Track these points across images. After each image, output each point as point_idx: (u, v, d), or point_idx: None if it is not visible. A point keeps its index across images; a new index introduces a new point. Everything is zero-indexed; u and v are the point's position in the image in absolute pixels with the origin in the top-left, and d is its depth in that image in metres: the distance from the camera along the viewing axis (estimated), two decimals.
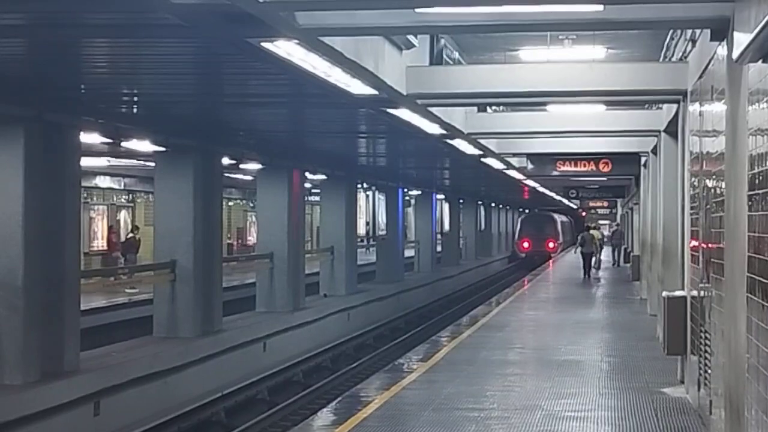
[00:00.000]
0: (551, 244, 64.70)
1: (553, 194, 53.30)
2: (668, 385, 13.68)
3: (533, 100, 16.60)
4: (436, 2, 9.02)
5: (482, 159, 25.29)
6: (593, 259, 41.53)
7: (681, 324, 12.54)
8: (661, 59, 19.29)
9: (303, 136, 22.63)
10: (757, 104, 6.98)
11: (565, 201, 60.39)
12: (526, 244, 64.63)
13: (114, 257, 32.07)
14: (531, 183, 39.74)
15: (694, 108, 12.23)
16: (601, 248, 48.28)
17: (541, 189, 47.34)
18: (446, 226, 54.55)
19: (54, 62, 12.47)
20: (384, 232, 40.20)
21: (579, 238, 42.21)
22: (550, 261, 56.02)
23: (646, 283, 25.62)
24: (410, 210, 50.33)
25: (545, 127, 20.54)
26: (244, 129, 20.62)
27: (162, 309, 19.33)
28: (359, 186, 36.88)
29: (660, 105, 18.76)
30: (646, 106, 20.72)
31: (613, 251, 51.55)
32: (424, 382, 14.21)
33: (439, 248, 47.98)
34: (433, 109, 16.21)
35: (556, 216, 68.48)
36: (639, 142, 23.36)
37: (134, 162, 28.21)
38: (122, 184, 38.65)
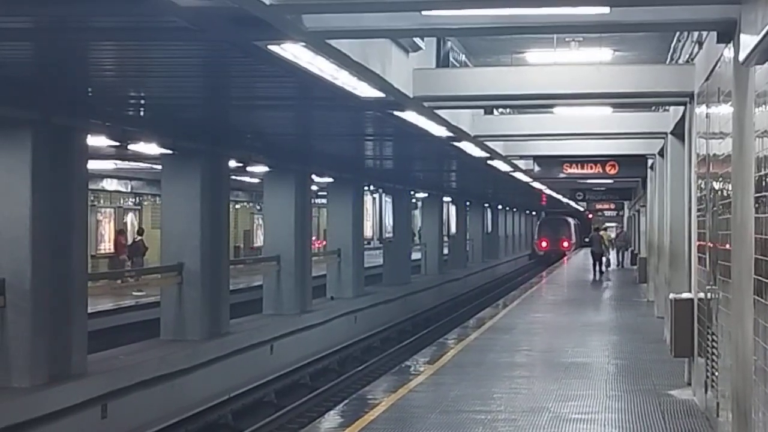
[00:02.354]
0: (565, 244, 73.03)
1: (560, 196, 53.42)
2: (675, 388, 13.68)
3: (540, 103, 16.59)
4: (443, 5, 9.03)
5: (489, 161, 25.29)
6: (603, 258, 42.74)
7: (688, 326, 12.53)
8: (667, 61, 19.26)
9: (310, 138, 22.65)
10: (763, 106, 6.99)
11: (572, 203, 60.63)
12: (544, 244, 73.16)
13: (121, 260, 32.11)
14: (538, 185, 39.75)
15: (700, 110, 12.23)
16: (610, 249, 49.95)
17: (548, 191, 47.41)
18: (453, 229, 54.55)
19: (61, 65, 12.50)
20: (391, 235, 40.23)
21: (590, 238, 44.85)
22: (564, 258, 62.93)
23: (653, 285, 25.61)
24: (417, 212, 50.34)
25: (552, 129, 20.54)
26: (251, 132, 20.64)
27: (169, 312, 19.35)
28: (366, 188, 36.89)
29: (667, 107, 18.75)
30: (653, 108, 20.70)
31: (618, 253, 52.20)
32: (431, 384, 14.22)
33: (446, 251, 47.96)
34: (440, 112, 16.22)
35: (569, 219, 75.45)
36: (646, 144, 23.35)
37: (141, 165, 28.23)
38: (129, 186, 38.70)
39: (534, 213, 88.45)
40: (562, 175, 28.01)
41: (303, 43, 9.28)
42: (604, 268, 42.87)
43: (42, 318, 14.26)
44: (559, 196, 53.53)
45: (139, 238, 32.17)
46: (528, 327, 21.93)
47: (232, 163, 21.60)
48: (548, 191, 47.47)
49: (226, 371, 19.07)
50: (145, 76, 13.52)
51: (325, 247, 31.90)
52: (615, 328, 21.69)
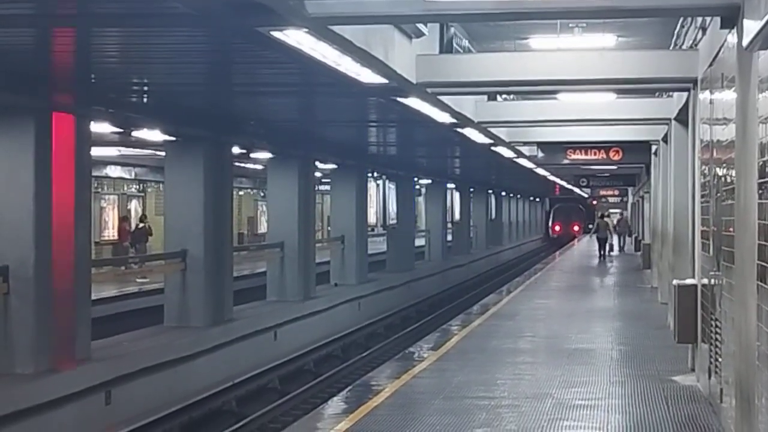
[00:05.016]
0: (576, 228, 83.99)
1: (564, 183, 53.48)
2: (679, 374, 13.68)
3: (543, 89, 16.59)
4: None
5: (493, 148, 25.27)
6: (607, 243, 46.01)
7: (692, 312, 12.53)
8: (671, 47, 19.25)
9: (313, 125, 22.64)
10: (767, 92, 6.97)
11: (576, 190, 60.73)
12: (557, 228, 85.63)
13: (125, 247, 32.13)
14: (541, 171, 39.77)
15: (704, 96, 12.20)
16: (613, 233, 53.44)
17: (553, 178, 47.50)
18: (456, 216, 54.54)
19: (64, 52, 12.48)
20: (395, 222, 40.22)
21: (595, 224, 49.11)
22: (575, 240, 71.19)
23: (657, 271, 25.61)
24: (420, 199, 50.34)
25: (556, 115, 20.52)
26: (254, 118, 20.63)
27: (173, 298, 19.37)
28: (369, 175, 36.89)
29: (670, 93, 18.72)
30: (657, 94, 20.68)
31: (619, 238, 53.26)
32: (434, 370, 14.23)
33: (449, 237, 47.98)
34: (443, 98, 16.20)
35: (579, 206, 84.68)
36: (649, 130, 23.32)
37: (145, 151, 28.23)
38: (133, 173, 38.71)
39: (538, 199, 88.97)
40: (565, 161, 28.04)
41: (306, 29, 9.26)
42: (607, 252, 45.76)
43: (45, 305, 14.27)
44: (563, 183, 53.58)
45: (142, 224, 32.17)
46: (531, 313, 21.93)
47: (236, 150, 21.59)
48: (553, 177, 47.57)
49: (229, 358, 19.08)
50: (148, 63, 13.50)
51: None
52: (619, 314, 21.69)
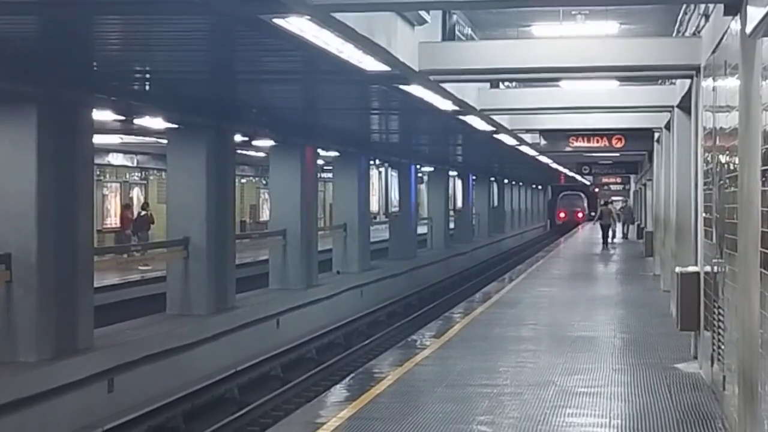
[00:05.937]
0: (580, 215, 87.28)
1: (566, 170, 53.50)
2: (681, 361, 13.68)
3: (546, 76, 16.54)
4: None
5: (495, 135, 25.25)
6: (610, 230, 46.82)
7: (694, 300, 12.52)
8: (674, 34, 19.20)
9: (315, 112, 22.61)
10: None
11: (579, 177, 60.80)
12: (562, 215, 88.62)
13: (127, 235, 32.12)
14: (544, 159, 39.73)
15: (707, 83, 12.18)
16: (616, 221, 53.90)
17: (555, 165, 47.54)
18: (459, 203, 54.50)
19: (66, 40, 12.46)
20: (397, 209, 40.23)
21: (599, 212, 49.52)
22: (579, 227, 73.58)
23: (660, 259, 25.59)
24: (423, 187, 50.31)
25: (558, 103, 20.48)
26: (256, 106, 20.60)
27: (175, 286, 19.38)
28: (372, 163, 36.86)
29: (673, 80, 18.68)
30: (660, 81, 20.64)
31: (623, 226, 53.64)
32: (437, 358, 14.23)
33: (452, 225, 47.97)
34: (446, 86, 16.18)
35: (582, 194, 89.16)
36: (652, 117, 23.28)
37: (147, 139, 28.21)
38: (135, 161, 38.69)
39: (540, 187, 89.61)
40: (568, 149, 27.97)
41: (308, 17, 9.24)
42: (611, 239, 46.57)
43: (48, 292, 14.28)
44: (566, 170, 53.61)
45: (144, 212, 32.15)
46: (534, 301, 21.93)
47: (238, 138, 21.57)
48: (555, 165, 47.62)
49: (232, 345, 19.10)
50: (151, 50, 13.48)
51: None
52: (621, 302, 21.68)
